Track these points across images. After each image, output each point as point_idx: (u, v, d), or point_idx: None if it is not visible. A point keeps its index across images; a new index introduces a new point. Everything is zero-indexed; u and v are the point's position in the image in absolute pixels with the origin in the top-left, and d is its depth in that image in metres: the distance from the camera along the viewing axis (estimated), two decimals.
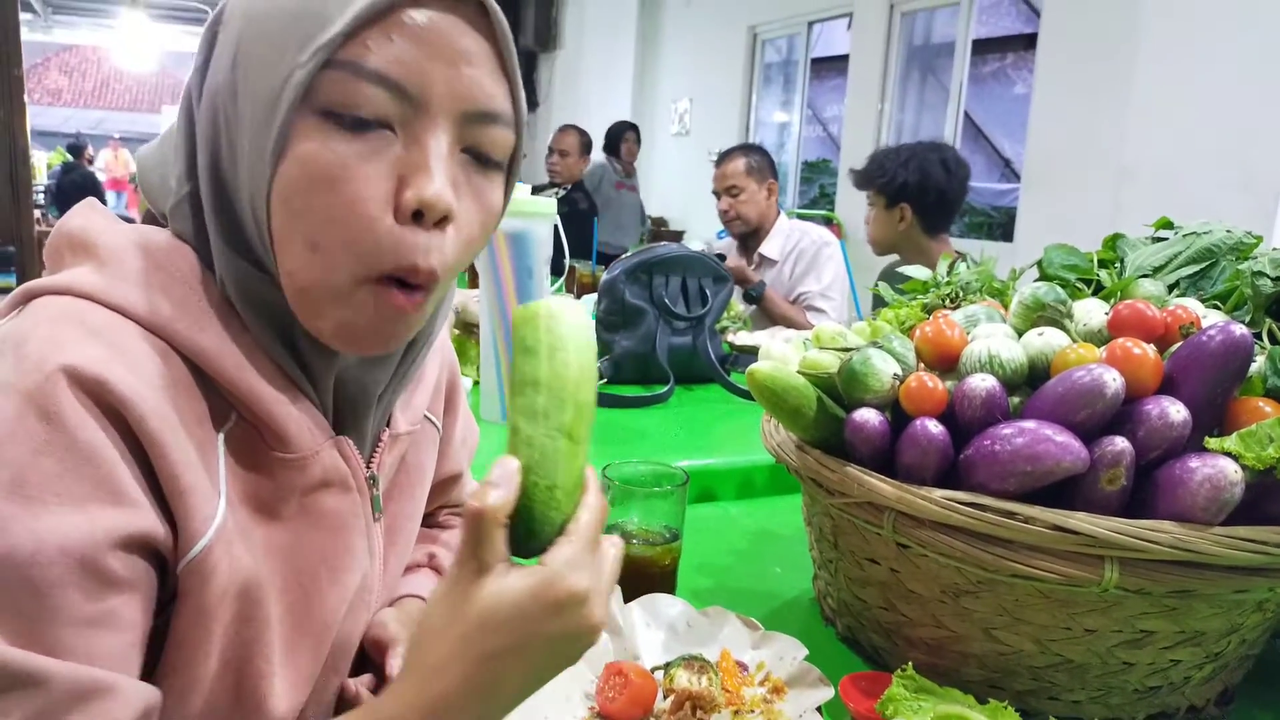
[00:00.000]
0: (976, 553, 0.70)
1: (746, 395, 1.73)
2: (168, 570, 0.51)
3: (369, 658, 0.70)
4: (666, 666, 0.75)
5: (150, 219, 0.60)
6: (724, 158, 2.88)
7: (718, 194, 2.85)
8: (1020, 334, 0.82)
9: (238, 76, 0.52)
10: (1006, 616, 0.74)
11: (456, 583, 0.50)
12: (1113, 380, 0.69)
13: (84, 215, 0.56)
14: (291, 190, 0.50)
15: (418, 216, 0.50)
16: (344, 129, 0.49)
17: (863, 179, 2.50)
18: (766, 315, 2.64)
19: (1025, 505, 0.69)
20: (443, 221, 0.52)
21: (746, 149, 2.90)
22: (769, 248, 2.80)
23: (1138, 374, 0.71)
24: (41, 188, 9.64)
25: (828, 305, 2.64)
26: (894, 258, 2.55)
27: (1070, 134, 3.77)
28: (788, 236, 2.79)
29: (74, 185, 9.28)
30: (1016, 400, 0.77)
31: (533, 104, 9.05)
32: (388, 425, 0.66)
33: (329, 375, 0.59)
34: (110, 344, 0.49)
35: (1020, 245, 4.01)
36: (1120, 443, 0.68)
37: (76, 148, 10.61)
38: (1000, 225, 5.85)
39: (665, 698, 0.71)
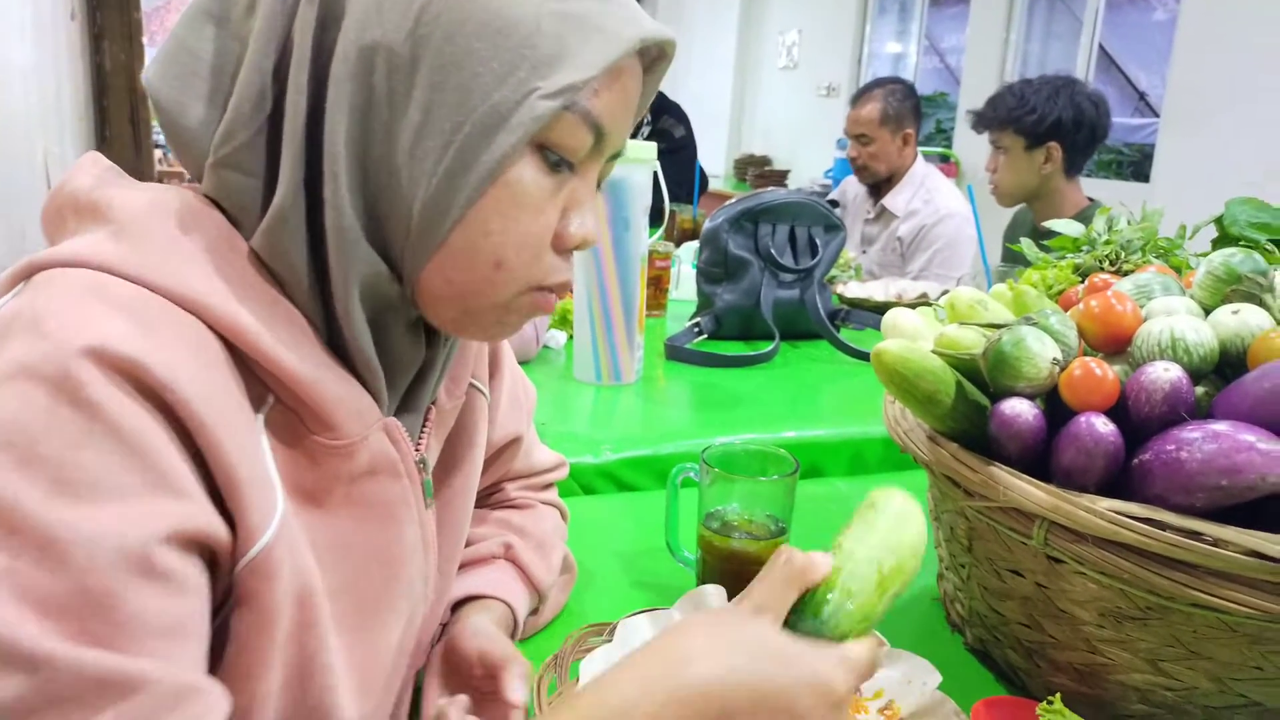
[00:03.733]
0: (1149, 576, 0.59)
1: (858, 355, 1.61)
2: (218, 573, 0.45)
3: (457, 669, 0.64)
4: None
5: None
6: (859, 98, 2.61)
7: (850, 136, 2.61)
8: (1207, 311, 0.69)
9: (421, 53, 0.46)
10: (1179, 649, 0.63)
11: (724, 615, 0.51)
12: None
13: (90, 173, 0.49)
14: (496, 212, 0.49)
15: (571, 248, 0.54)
16: (550, 164, 0.50)
17: (997, 118, 2.21)
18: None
19: (1215, 525, 0.57)
20: None
21: (887, 89, 2.59)
22: (894, 201, 2.57)
23: None
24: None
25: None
26: (1023, 206, 2.33)
27: (1220, 64, 3.41)
28: (915, 192, 2.55)
29: None
30: (1201, 392, 0.64)
31: None
32: (433, 402, 0.60)
33: (414, 366, 0.56)
34: (140, 320, 0.42)
35: (1158, 187, 3.69)
36: None
37: None
38: (1133, 164, 5.43)
39: None
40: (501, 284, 0.51)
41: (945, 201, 2.52)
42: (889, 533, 0.56)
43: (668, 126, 3.88)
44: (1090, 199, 2.22)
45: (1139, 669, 0.65)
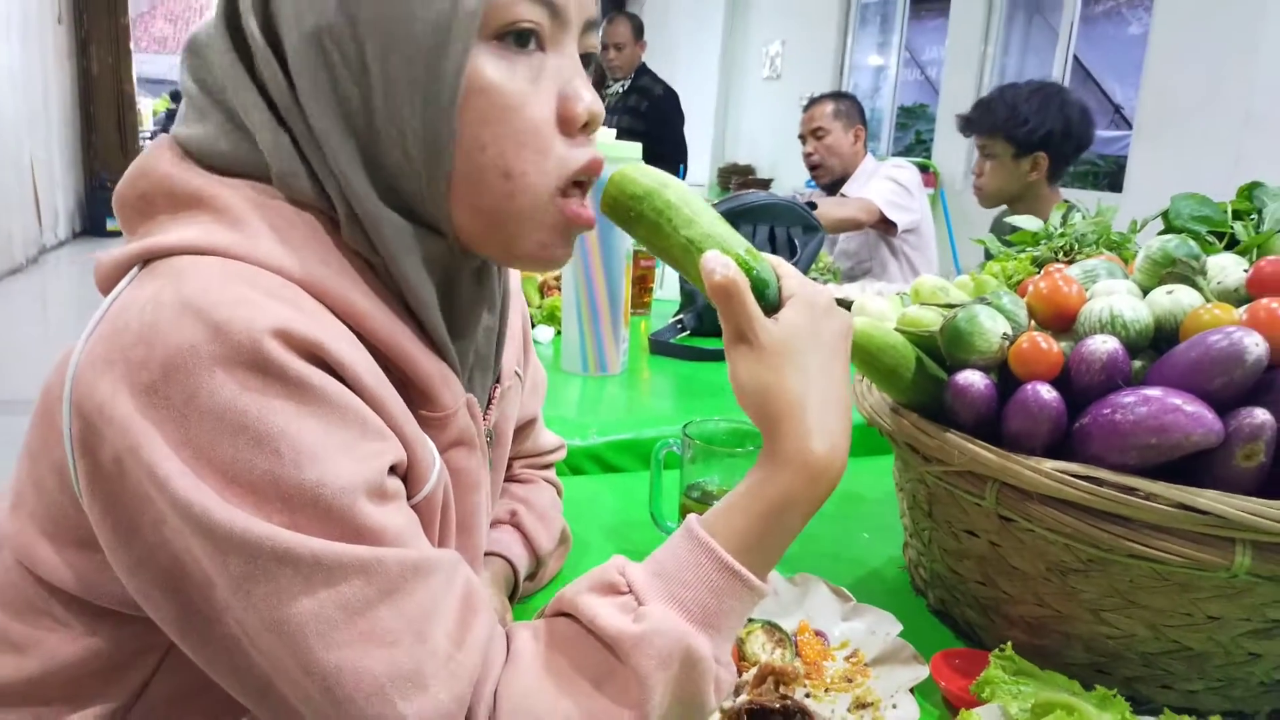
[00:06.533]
0: (1089, 530, 0.65)
1: None
2: None
3: None
4: None
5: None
6: (812, 103, 2.86)
7: (804, 138, 2.84)
8: (1145, 292, 0.75)
9: (355, 12, 0.47)
10: (1118, 598, 0.69)
11: (744, 356, 0.54)
12: (1254, 345, 0.62)
13: (172, 161, 0.51)
14: (481, 122, 0.49)
15: (583, 128, 0.53)
16: (517, 53, 0.50)
17: (988, 125, 2.27)
18: (831, 228, 2.58)
19: (1147, 481, 0.63)
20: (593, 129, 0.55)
21: (835, 95, 2.88)
22: (852, 189, 2.76)
23: None
24: (148, 133, 9.98)
25: (880, 187, 2.61)
26: (1004, 207, 2.41)
27: (1191, 78, 3.51)
28: (871, 175, 2.73)
29: None
30: (1140, 365, 0.70)
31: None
32: (496, 381, 0.65)
33: (476, 329, 0.58)
34: (295, 305, 0.46)
35: (1130, 196, 3.79)
36: (1261, 415, 0.62)
37: (179, 94, 10.93)
38: (1108, 175, 5.54)
39: (740, 674, 0.68)
40: (520, 193, 0.51)
41: (896, 161, 2.77)
42: (681, 193, 0.57)
43: (646, 84, 4.10)
44: (1069, 203, 2.30)
45: (1083, 619, 0.71)
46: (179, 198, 0.50)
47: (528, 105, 0.50)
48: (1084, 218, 1.03)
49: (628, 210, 0.56)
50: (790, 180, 5.99)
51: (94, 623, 0.51)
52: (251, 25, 0.50)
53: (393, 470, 0.49)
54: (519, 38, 0.50)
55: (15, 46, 6.44)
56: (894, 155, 5.81)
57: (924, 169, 5.11)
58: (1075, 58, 4.70)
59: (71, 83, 7.78)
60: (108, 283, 0.49)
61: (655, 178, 0.56)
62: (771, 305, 0.56)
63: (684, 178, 3.06)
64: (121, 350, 0.43)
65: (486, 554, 0.75)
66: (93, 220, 8.09)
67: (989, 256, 1.97)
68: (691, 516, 0.54)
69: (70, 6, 7.70)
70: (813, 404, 0.53)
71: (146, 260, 0.48)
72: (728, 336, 0.55)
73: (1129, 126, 4.42)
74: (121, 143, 8.11)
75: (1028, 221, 1.07)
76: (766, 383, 0.53)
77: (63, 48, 7.57)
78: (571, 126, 0.53)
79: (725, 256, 0.54)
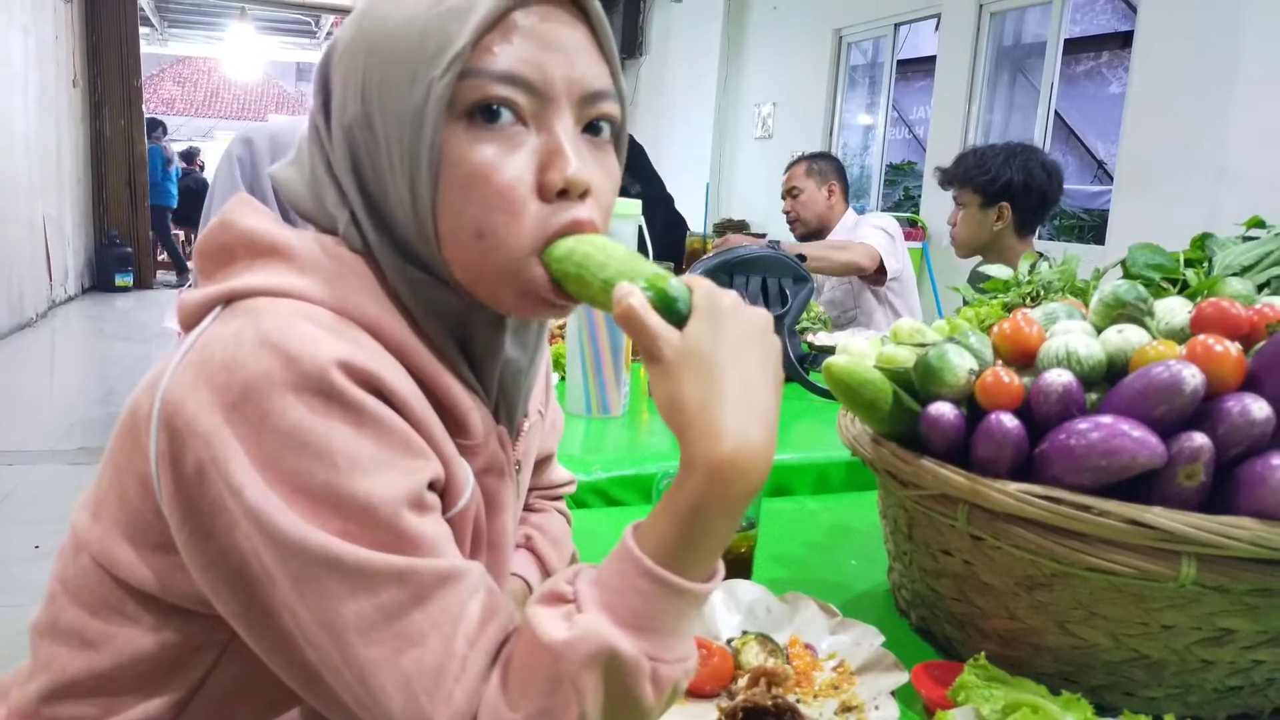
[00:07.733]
0: (1050, 545, 0.71)
1: (824, 394, 1.74)
2: None
3: None
4: (729, 640, 0.78)
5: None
6: (790, 165, 3.03)
7: (784, 197, 3.02)
8: (1099, 331, 0.82)
9: (371, 107, 0.57)
10: (1081, 610, 0.75)
11: (656, 374, 0.53)
12: (1191, 376, 0.69)
13: (252, 215, 0.59)
14: (454, 190, 0.55)
15: (563, 194, 0.57)
16: (486, 128, 0.55)
17: (958, 176, 2.43)
18: (821, 271, 2.62)
19: (1100, 499, 0.69)
20: (584, 194, 0.58)
21: (812, 156, 3.04)
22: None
23: (1219, 371, 0.71)
24: None
25: (866, 234, 2.70)
26: (980, 258, 2.52)
27: (1167, 135, 3.65)
28: (854, 229, 2.85)
29: (187, 190, 9.76)
30: (1094, 397, 0.78)
31: None
32: (525, 415, 0.71)
33: (495, 370, 0.65)
34: (354, 341, 0.54)
35: (1112, 249, 3.91)
36: (1199, 439, 0.69)
37: (189, 154, 11.13)
38: (1092, 228, 5.69)
39: (735, 680, 0.74)
40: (492, 250, 0.56)
41: (874, 214, 2.88)
42: (593, 241, 0.58)
43: (625, 183, 4.02)
44: (1040, 254, 2.40)
45: (1050, 630, 0.77)
46: (258, 248, 0.58)
47: (496, 174, 0.55)
48: (1050, 267, 1.11)
49: (559, 273, 0.57)
50: (782, 235, 6.12)
51: (162, 619, 0.57)
52: (319, 121, 0.61)
53: (432, 486, 0.55)
54: (488, 114, 0.55)
55: (31, 110, 6.62)
56: (883, 211, 5.96)
57: (912, 223, 5.25)
58: (1058, 115, 4.85)
59: (84, 144, 7.98)
60: (191, 319, 0.57)
61: (575, 236, 0.58)
62: (683, 321, 0.55)
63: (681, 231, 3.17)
64: (208, 376, 0.51)
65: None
66: (102, 277, 8.21)
67: (966, 303, 2.06)
68: (630, 525, 0.56)
69: (85, 70, 7.92)
70: (719, 407, 0.51)
71: (229, 300, 0.56)
72: (643, 360, 0.55)
73: (1111, 182, 4.55)
74: (132, 200, 8.29)
75: (999, 270, 1.15)
76: (673, 394, 0.52)
77: (76, 110, 7.78)
78: (547, 192, 0.56)
79: (630, 285, 0.54)
